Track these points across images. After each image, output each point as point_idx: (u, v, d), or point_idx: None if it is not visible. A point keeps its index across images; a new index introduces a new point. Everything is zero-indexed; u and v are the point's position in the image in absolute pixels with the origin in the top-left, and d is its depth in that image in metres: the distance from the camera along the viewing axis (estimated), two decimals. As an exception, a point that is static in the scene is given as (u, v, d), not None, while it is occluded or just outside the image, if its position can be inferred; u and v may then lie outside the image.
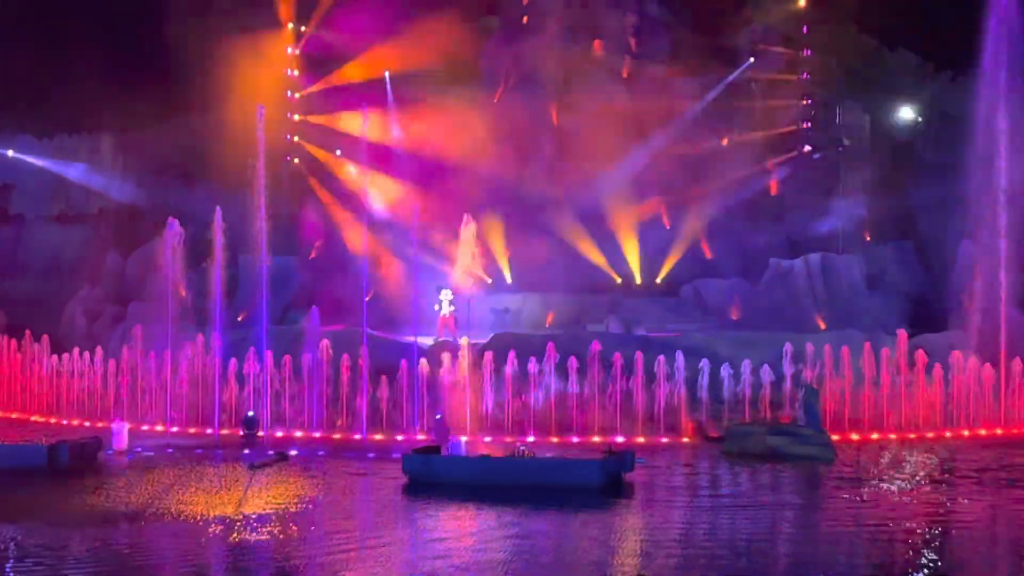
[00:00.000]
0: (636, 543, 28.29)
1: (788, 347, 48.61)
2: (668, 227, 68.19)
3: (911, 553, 26.84)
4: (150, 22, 68.71)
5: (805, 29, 71.94)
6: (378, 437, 47.08)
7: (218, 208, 49.74)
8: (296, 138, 74.08)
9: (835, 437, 44.05)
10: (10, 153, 79.76)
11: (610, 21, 75.44)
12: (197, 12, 67.31)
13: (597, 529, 29.71)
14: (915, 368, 48.63)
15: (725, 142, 69.53)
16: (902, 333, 50.26)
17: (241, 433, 46.40)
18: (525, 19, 76.92)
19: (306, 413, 49.19)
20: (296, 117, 74.19)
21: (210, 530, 28.87)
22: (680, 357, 48.48)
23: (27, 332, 57.16)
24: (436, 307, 59.62)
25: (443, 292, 60.09)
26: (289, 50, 74.28)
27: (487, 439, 45.20)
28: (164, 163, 74.32)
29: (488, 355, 49.16)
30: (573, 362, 48.05)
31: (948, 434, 47.77)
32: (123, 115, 72.24)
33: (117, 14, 73.13)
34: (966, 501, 33.18)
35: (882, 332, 53.74)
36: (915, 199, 66.70)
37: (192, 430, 49.63)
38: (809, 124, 69.08)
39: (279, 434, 47.94)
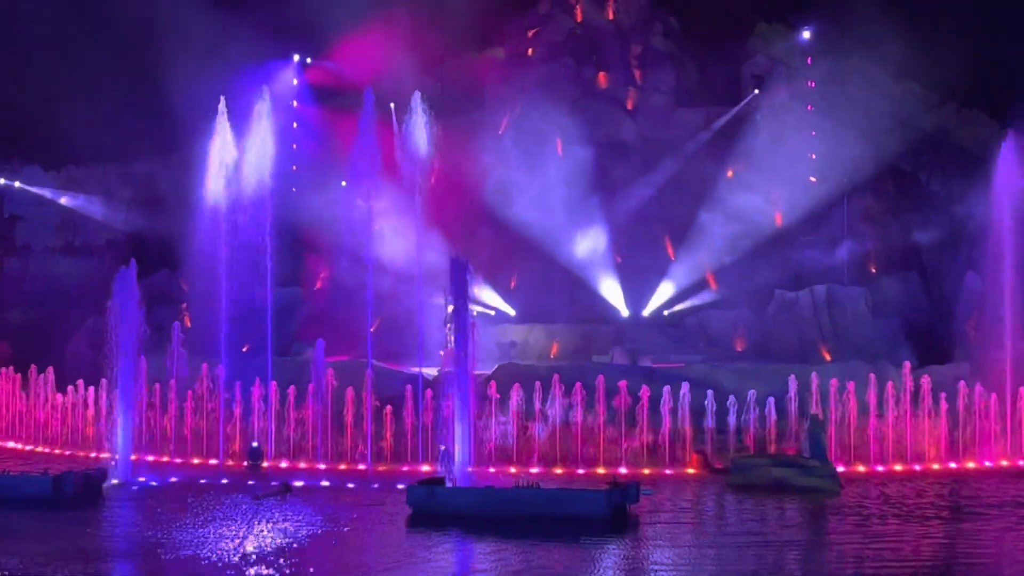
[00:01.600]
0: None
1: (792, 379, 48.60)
2: (673, 258, 68.14)
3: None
4: (157, 54, 68.93)
5: (809, 61, 72.14)
6: (382, 468, 46.98)
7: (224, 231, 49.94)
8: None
9: (840, 468, 43.93)
10: (17, 184, 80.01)
11: (615, 53, 75.70)
12: (205, 44, 67.52)
13: (602, 561, 29.60)
14: (921, 400, 48.56)
15: (730, 174, 69.53)
16: (907, 366, 50.16)
17: (246, 464, 46.29)
18: (530, 51, 77.23)
19: (310, 444, 49.12)
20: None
21: (214, 563, 28.76)
22: (685, 388, 48.45)
23: (32, 367, 57.41)
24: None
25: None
26: (294, 81, 74.52)
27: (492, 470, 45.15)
28: (169, 194, 74.38)
29: (493, 385, 49.17)
30: (578, 394, 47.98)
31: (953, 465, 47.67)
32: (130, 146, 72.47)
33: (125, 46, 73.42)
34: (975, 536, 33.03)
35: (887, 363, 53.68)
36: (920, 230, 66.67)
37: (196, 460, 49.61)
38: (814, 155, 68.99)
39: (283, 465, 47.91)
